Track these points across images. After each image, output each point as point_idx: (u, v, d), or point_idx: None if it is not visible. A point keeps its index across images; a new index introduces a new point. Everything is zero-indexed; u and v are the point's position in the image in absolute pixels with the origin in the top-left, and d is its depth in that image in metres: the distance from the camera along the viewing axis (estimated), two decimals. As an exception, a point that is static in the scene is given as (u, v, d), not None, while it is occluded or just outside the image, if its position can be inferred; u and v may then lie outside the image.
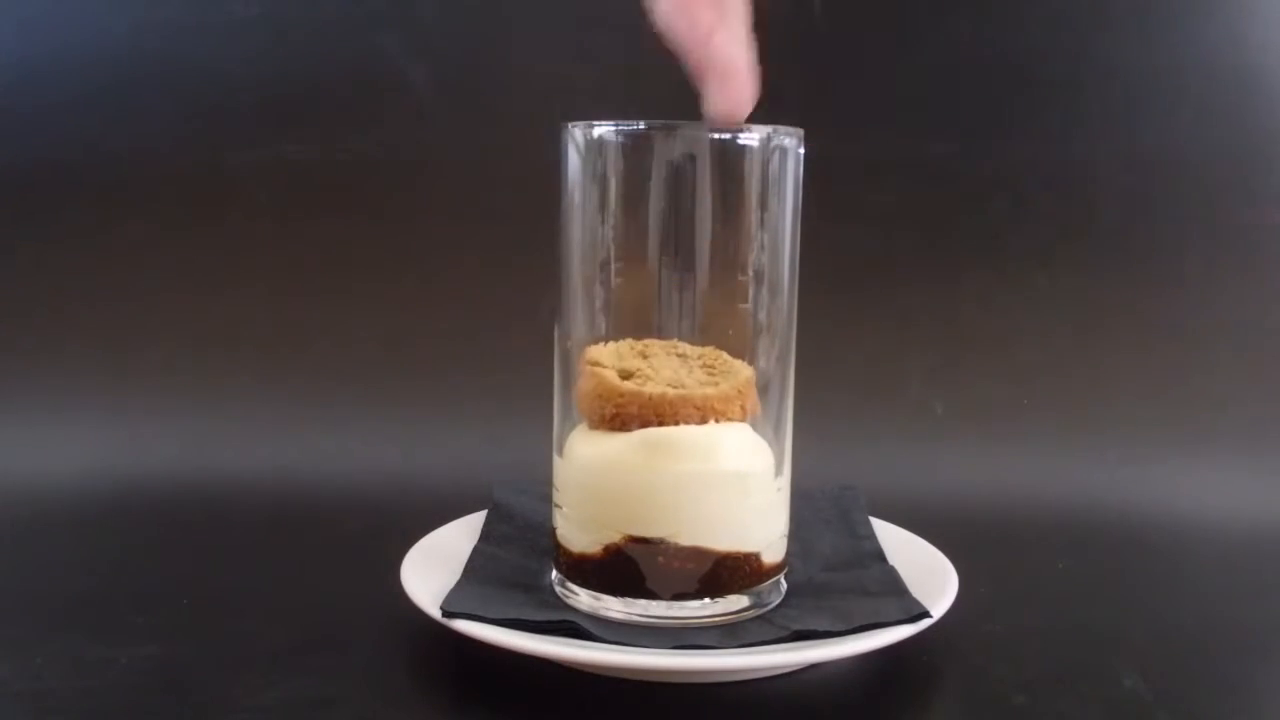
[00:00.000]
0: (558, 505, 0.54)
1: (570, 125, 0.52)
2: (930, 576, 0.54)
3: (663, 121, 0.50)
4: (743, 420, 0.52)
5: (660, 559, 0.51)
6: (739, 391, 0.51)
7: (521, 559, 0.57)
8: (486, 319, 0.81)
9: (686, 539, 0.51)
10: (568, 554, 0.53)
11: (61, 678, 0.50)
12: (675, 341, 0.53)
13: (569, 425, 0.54)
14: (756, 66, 0.48)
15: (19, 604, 0.58)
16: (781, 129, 0.52)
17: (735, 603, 0.52)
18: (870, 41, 0.81)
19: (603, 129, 0.51)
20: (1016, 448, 0.78)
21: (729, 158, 0.51)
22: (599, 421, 0.52)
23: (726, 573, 0.51)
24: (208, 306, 0.83)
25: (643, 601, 0.51)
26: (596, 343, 0.53)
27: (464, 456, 0.77)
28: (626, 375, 0.51)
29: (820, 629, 0.49)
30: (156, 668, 0.50)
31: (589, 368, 0.52)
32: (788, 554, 0.55)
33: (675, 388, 0.51)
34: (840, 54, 0.80)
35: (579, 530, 0.52)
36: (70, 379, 0.82)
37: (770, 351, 0.53)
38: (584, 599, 0.52)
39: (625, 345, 0.53)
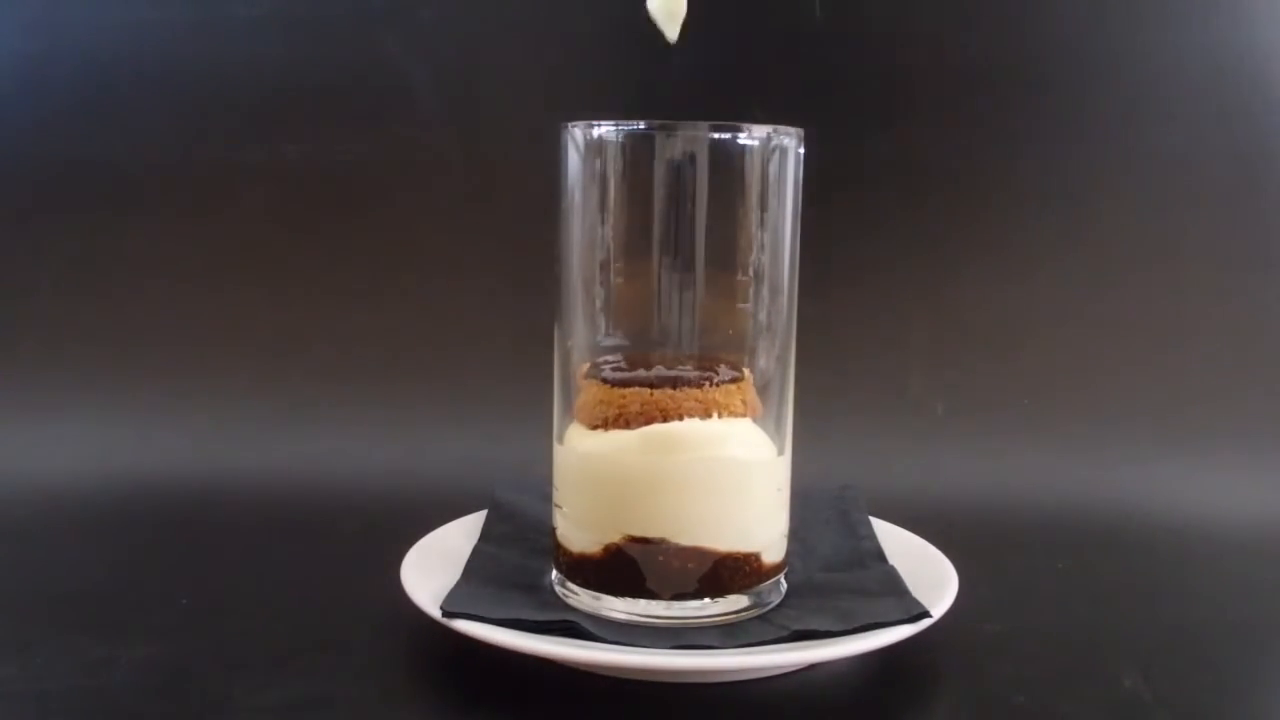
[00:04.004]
0: (558, 505, 0.54)
1: (570, 125, 0.52)
2: (930, 576, 0.54)
3: (663, 121, 0.50)
4: (744, 415, 0.52)
5: (660, 559, 0.51)
6: (739, 386, 0.52)
7: (521, 559, 0.57)
8: (486, 319, 0.81)
9: (687, 539, 0.51)
10: (568, 554, 0.53)
11: (61, 678, 0.49)
12: (664, 354, 0.53)
13: (568, 425, 0.54)
14: None
15: (19, 604, 0.58)
16: (781, 129, 0.51)
17: (735, 603, 0.52)
18: (869, 40, 0.81)
19: (603, 129, 0.51)
20: (1016, 448, 0.78)
21: (729, 158, 0.51)
22: (602, 426, 0.52)
23: (727, 573, 0.51)
24: (208, 307, 0.83)
25: (643, 601, 0.51)
26: (596, 346, 0.53)
27: (464, 456, 0.77)
28: (624, 383, 0.51)
29: (820, 629, 0.49)
30: (156, 668, 0.50)
31: (585, 381, 0.52)
32: (788, 554, 0.55)
33: (675, 385, 0.51)
34: (841, 53, 0.80)
35: (579, 530, 0.52)
36: (71, 379, 0.82)
37: (770, 351, 0.53)
38: (584, 599, 0.52)
39: (618, 359, 0.53)
